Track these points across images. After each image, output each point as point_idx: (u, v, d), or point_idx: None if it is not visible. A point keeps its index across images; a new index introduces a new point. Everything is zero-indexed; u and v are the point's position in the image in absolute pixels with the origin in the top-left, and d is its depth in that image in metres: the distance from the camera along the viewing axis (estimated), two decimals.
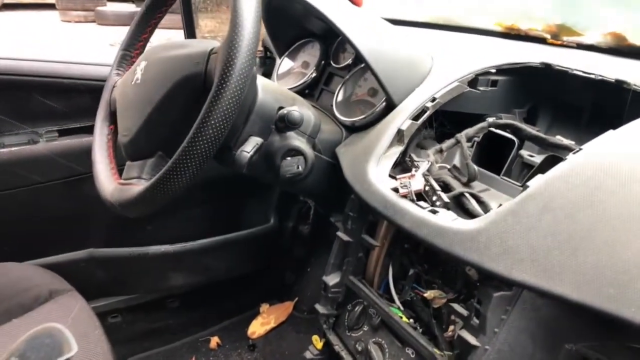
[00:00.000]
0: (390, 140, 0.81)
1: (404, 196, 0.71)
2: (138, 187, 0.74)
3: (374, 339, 0.81)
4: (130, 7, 8.87)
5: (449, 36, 1.39)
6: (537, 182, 0.62)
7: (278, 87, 0.92)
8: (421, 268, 0.87)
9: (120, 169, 0.84)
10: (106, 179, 0.83)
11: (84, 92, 1.21)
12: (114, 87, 0.95)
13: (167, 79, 0.75)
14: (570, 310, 0.61)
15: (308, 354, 0.98)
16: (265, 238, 1.58)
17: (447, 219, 0.65)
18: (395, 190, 0.72)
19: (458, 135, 0.82)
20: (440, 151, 0.81)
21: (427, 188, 0.74)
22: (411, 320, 0.83)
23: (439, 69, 0.95)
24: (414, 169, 0.78)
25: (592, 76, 0.80)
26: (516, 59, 0.90)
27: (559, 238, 0.57)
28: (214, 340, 1.50)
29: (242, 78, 0.66)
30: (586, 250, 0.56)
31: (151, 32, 0.97)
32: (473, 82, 0.89)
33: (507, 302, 0.63)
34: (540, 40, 1.24)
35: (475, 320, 0.66)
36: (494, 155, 0.83)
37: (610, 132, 0.65)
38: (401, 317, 0.80)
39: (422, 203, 0.70)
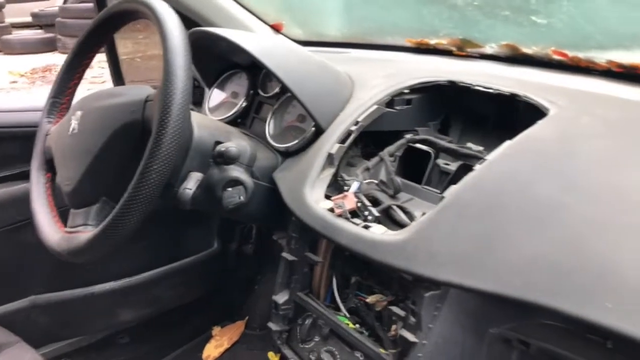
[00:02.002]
0: (322, 164, 0.88)
1: (339, 215, 0.78)
2: (86, 234, 0.77)
3: (325, 348, 0.88)
4: (38, 34, 8.46)
5: (365, 54, 1.49)
6: (451, 192, 0.71)
7: (212, 122, 0.97)
8: (361, 276, 0.95)
9: (60, 212, 0.86)
10: (50, 229, 0.84)
11: (10, 140, 1.20)
12: (47, 135, 0.96)
13: (106, 128, 0.79)
14: (491, 299, 0.71)
15: None
16: (211, 262, 1.61)
17: (378, 233, 0.73)
18: (331, 210, 0.80)
19: (381, 153, 0.91)
20: (367, 169, 0.90)
21: (359, 205, 0.83)
22: (357, 325, 0.90)
23: (359, 92, 1.04)
24: (345, 189, 0.86)
25: (491, 90, 0.91)
26: (426, 78, 1.01)
27: (473, 240, 0.67)
28: None
29: (179, 123, 0.72)
30: (496, 248, 0.65)
31: (79, 79, 0.99)
32: (390, 103, 0.98)
33: (438, 300, 0.72)
34: (448, 53, 1.37)
35: (412, 319, 0.74)
36: (416, 167, 0.92)
37: (507, 142, 0.75)
38: (348, 324, 0.87)
39: (355, 220, 0.78)
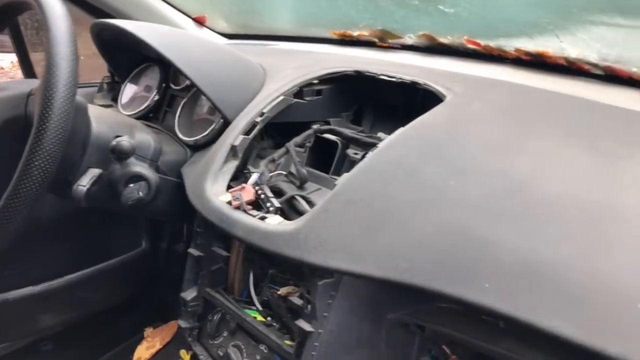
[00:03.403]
0: (225, 156, 0.87)
1: (237, 207, 0.77)
2: None
3: (233, 343, 0.87)
4: None
5: (290, 47, 1.48)
6: (342, 180, 0.71)
7: (114, 116, 0.94)
8: (277, 269, 0.94)
9: None
10: None
11: None
12: None
13: None
14: (383, 285, 0.71)
15: None
16: (139, 262, 1.56)
17: (273, 224, 0.73)
18: (230, 203, 0.78)
19: (287, 144, 0.90)
20: (273, 160, 0.89)
21: (262, 196, 0.82)
22: (269, 318, 0.89)
23: (269, 83, 1.03)
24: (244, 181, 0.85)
25: (394, 79, 0.92)
26: (334, 68, 1.01)
27: (362, 226, 0.67)
28: None
29: (62, 116, 0.68)
30: (383, 233, 0.66)
31: None
32: (299, 94, 0.98)
33: (331, 288, 0.72)
34: (372, 44, 1.38)
35: (308, 309, 0.74)
36: (329, 158, 0.92)
37: (401, 129, 0.76)
38: (255, 318, 0.86)
39: (253, 212, 0.77)
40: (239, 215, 0.76)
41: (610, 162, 0.64)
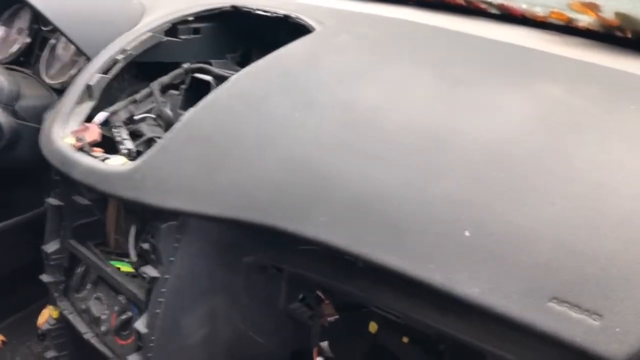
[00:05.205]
0: (78, 96, 0.80)
1: (80, 149, 0.71)
2: None
3: (95, 295, 0.83)
4: None
5: None
6: (185, 115, 0.66)
7: None
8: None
9: None
10: None
11: None
12: None
13: None
14: (236, 226, 0.67)
15: (45, 325, 0.97)
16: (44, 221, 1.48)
17: (114, 164, 0.67)
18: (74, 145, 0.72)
19: (152, 84, 0.84)
20: (135, 101, 0.83)
21: (118, 138, 0.76)
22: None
23: (145, 19, 0.95)
24: (116, 126, 0.79)
25: (268, 13, 0.86)
26: (211, 5, 0.94)
27: (201, 164, 0.62)
28: None
29: None
30: (223, 171, 0.61)
31: None
32: (172, 32, 0.90)
33: (176, 231, 0.67)
34: None
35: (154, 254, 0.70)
36: None
37: (255, 62, 0.71)
38: (119, 269, 0.82)
39: (96, 153, 0.71)
40: (80, 157, 0.70)
41: (456, 89, 0.61)
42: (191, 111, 0.66)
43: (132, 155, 0.72)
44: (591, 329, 0.42)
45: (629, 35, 0.81)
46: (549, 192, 0.49)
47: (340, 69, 0.67)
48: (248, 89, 0.66)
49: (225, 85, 0.68)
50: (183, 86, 0.87)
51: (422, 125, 0.57)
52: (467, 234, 0.49)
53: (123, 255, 0.88)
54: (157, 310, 0.68)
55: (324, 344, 0.82)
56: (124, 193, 0.64)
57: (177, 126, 0.65)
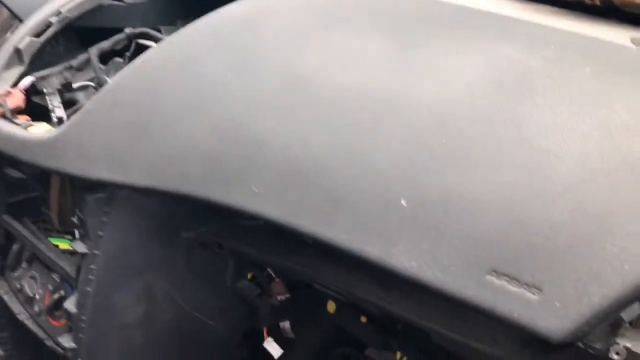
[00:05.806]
0: (6, 60, 0.74)
1: (2, 115, 0.66)
2: None
3: (30, 274, 0.78)
4: None
5: None
6: (112, 80, 0.61)
7: None
8: None
9: None
10: None
11: None
12: None
13: None
14: (172, 200, 0.62)
15: None
16: None
17: (39, 132, 0.62)
18: None
19: (90, 49, 0.78)
20: (71, 67, 0.77)
21: (51, 106, 0.71)
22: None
23: None
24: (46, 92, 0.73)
25: None
26: None
27: (128, 130, 0.57)
28: None
29: None
30: (152, 138, 0.56)
31: None
32: None
33: (104, 203, 0.62)
34: None
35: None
36: None
37: (191, 23, 0.65)
38: (57, 246, 0.77)
39: (19, 120, 0.65)
40: (0, 124, 0.64)
41: (404, 52, 0.56)
42: (119, 74, 0.61)
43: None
44: (529, 304, 0.38)
45: (597, 3, 0.77)
46: (493, 158, 0.45)
47: (280, 30, 0.62)
48: (181, 51, 0.61)
49: (157, 47, 0.63)
50: (127, 53, 0.82)
51: (365, 89, 0.53)
52: (403, 203, 0.45)
53: (70, 233, 0.83)
54: (88, 288, 0.63)
55: (286, 324, 0.78)
56: (45, 162, 0.59)
57: (103, 90, 0.60)
